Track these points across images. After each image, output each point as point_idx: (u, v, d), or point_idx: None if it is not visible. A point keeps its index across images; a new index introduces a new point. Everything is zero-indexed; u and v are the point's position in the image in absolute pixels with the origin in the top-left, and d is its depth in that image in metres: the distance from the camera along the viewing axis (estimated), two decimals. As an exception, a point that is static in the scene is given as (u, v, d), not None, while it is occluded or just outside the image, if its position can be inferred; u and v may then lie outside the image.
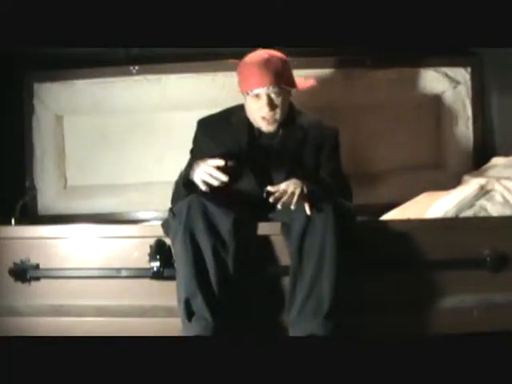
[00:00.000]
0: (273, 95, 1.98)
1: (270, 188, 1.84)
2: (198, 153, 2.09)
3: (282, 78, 1.98)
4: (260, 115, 2.01)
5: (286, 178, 1.92)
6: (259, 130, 2.07)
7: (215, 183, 1.86)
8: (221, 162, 1.86)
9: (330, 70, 2.66)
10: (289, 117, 2.08)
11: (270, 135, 2.07)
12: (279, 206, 1.82)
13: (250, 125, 2.08)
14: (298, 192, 1.81)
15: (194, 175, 1.91)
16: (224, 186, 1.89)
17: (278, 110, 2.01)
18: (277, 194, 1.81)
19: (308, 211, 1.80)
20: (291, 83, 2.03)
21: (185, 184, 1.95)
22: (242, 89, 2.03)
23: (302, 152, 2.07)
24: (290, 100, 2.09)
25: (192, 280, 1.78)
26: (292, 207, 1.80)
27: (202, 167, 1.89)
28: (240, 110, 2.10)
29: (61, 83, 2.70)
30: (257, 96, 1.99)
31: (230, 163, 1.89)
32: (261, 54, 2.02)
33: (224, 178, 1.85)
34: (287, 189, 1.82)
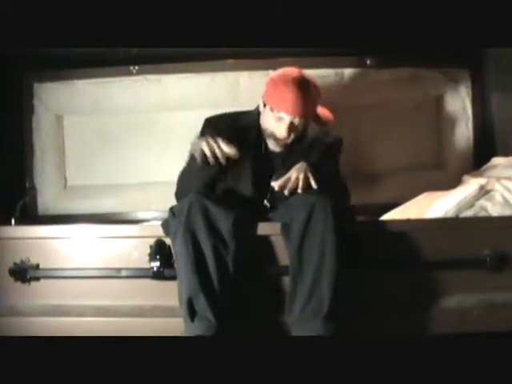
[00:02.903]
0: (296, 123, 2.01)
1: (273, 183, 1.87)
2: None
3: (310, 111, 2.03)
4: (275, 135, 2.04)
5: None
6: (265, 143, 2.09)
7: (212, 161, 1.86)
8: (230, 150, 1.87)
9: (330, 70, 2.67)
10: None
11: (274, 146, 2.09)
12: (286, 193, 1.86)
13: (258, 133, 2.09)
14: (301, 176, 1.85)
15: (196, 146, 1.91)
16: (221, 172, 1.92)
17: (293, 135, 2.04)
18: (280, 183, 1.85)
19: (314, 185, 1.84)
20: (315, 115, 2.09)
21: (192, 157, 1.93)
22: (267, 102, 2.04)
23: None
24: None
25: (193, 280, 1.78)
26: (299, 191, 1.83)
27: (208, 138, 1.89)
28: (249, 115, 2.12)
29: (61, 83, 2.70)
30: (280, 118, 2.01)
31: (236, 156, 1.88)
32: (300, 78, 2.02)
33: (223, 160, 1.86)
34: (291, 176, 1.86)
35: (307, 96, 2.00)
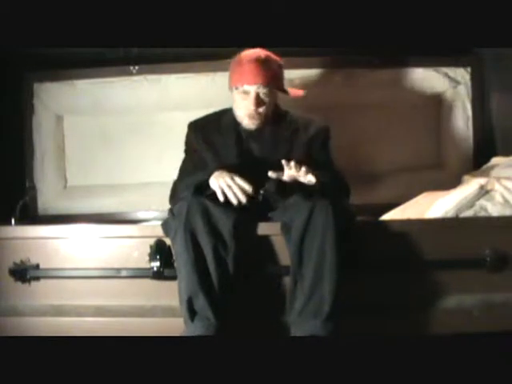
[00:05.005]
0: (262, 94, 2.03)
1: (271, 174, 1.89)
2: (192, 153, 2.14)
3: (274, 80, 2.03)
4: (246, 112, 2.05)
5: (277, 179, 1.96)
6: (246, 132, 2.10)
7: (234, 200, 1.87)
8: (248, 189, 1.87)
9: (331, 70, 2.67)
10: (275, 117, 2.11)
11: (257, 137, 2.09)
12: (286, 178, 1.89)
13: (237, 127, 2.11)
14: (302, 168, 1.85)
15: (215, 181, 1.91)
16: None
17: (264, 109, 2.05)
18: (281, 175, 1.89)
19: (312, 178, 1.85)
20: (281, 87, 2.09)
21: (197, 186, 1.94)
22: (231, 83, 2.08)
23: (291, 151, 2.08)
24: (277, 101, 2.13)
25: (193, 280, 1.78)
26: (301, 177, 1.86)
27: (227, 178, 1.89)
28: (229, 112, 2.15)
29: (61, 83, 2.70)
30: (245, 92, 2.03)
31: (251, 193, 1.88)
32: (258, 52, 2.06)
33: (243, 199, 1.86)
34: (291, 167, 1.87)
35: (265, 65, 2.02)
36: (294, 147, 2.09)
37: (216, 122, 2.15)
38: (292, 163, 1.86)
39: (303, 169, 1.85)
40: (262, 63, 2.02)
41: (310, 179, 1.87)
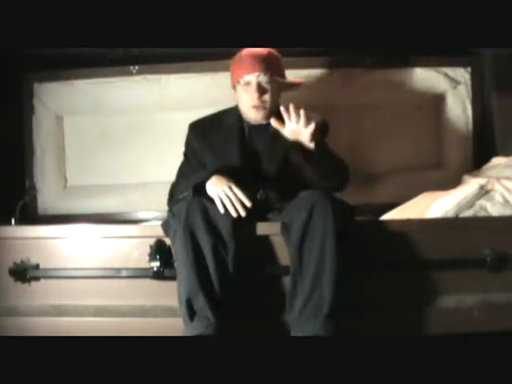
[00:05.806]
0: (263, 83, 2.04)
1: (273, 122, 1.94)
2: (192, 155, 2.14)
3: (272, 68, 2.05)
4: (250, 104, 2.06)
5: (278, 177, 1.96)
6: (249, 127, 2.10)
7: (234, 214, 1.85)
8: (246, 202, 1.86)
9: (330, 70, 2.67)
10: (277, 113, 2.08)
11: (259, 132, 2.09)
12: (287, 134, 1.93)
13: (239, 123, 2.11)
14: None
15: (213, 189, 1.89)
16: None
17: (268, 98, 2.06)
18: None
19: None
20: (281, 74, 2.10)
21: (197, 187, 1.93)
22: (233, 81, 2.10)
23: (291, 148, 2.07)
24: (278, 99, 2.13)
25: (193, 280, 1.78)
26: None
27: (225, 187, 1.88)
28: (231, 111, 2.15)
29: (61, 83, 2.70)
30: (247, 84, 2.05)
31: (249, 205, 1.87)
32: (253, 48, 2.09)
33: (243, 212, 1.85)
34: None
35: (263, 56, 2.05)
36: (294, 145, 2.08)
37: (217, 121, 2.16)
38: (291, 108, 1.88)
39: (303, 116, 1.87)
40: (260, 54, 2.05)
41: (310, 132, 1.89)
